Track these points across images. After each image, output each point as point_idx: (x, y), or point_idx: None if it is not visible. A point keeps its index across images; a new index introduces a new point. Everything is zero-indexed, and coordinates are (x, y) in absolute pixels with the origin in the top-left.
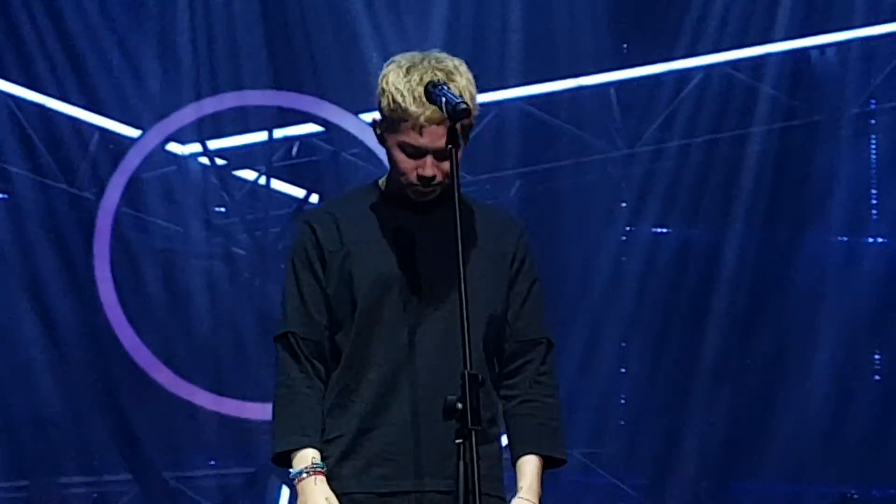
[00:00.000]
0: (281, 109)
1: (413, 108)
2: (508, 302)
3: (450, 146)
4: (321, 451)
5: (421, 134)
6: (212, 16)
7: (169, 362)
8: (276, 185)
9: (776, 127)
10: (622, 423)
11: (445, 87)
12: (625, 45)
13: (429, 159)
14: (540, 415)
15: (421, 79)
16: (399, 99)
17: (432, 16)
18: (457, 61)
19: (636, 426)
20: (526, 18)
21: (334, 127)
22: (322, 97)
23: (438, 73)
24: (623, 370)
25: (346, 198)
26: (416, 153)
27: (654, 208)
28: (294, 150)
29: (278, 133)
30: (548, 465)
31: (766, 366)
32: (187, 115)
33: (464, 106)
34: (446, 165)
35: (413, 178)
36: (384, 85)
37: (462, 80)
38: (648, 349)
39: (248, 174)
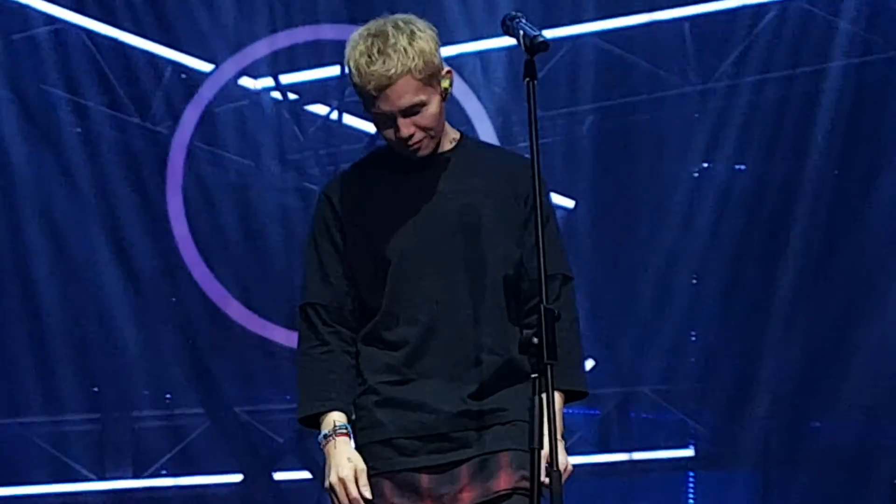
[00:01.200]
0: None
1: (358, 80)
2: (523, 243)
3: (527, 79)
4: (355, 405)
5: (378, 101)
6: None
7: (242, 297)
8: (349, 119)
9: (853, 63)
10: (693, 360)
11: (523, 21)
12: None
13: (399, 121)
14: (559, 351)
15: (362, 51)
16: (352, 76)
17: None
18: (407, 24)
19: (707, 364)
20: None
21: None
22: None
23: (376, 41)
24: (696, 308)
25: (360, 164)
26: (386, 120)
27: (729, 144)
28: None
29: None
30: (569, 399)
31: (840, 305)
32: (261, 48)
33: (541, 39)
34: (421, 119)
35: (397, 143)
36: (346, 66)
37: (401, 42)
38: (721, 287)
39: (321, 109)
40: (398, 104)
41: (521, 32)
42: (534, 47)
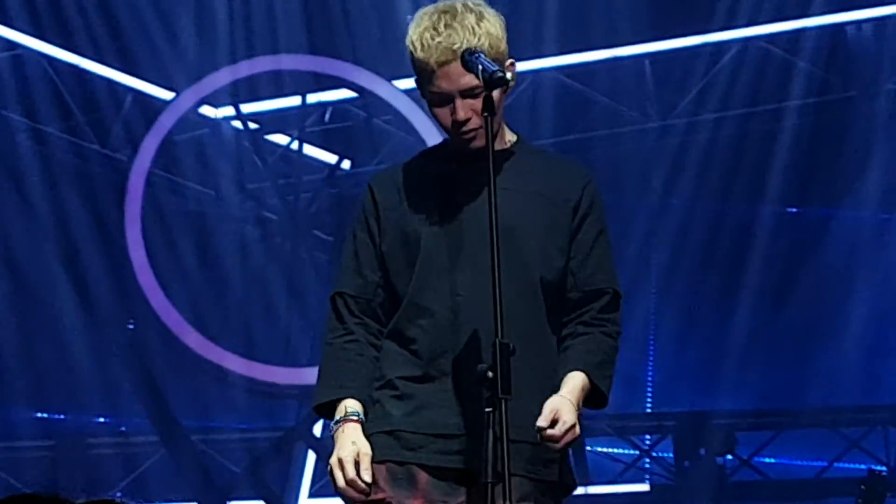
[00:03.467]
0: (315, 74)
1: (420, 55)
2: (571, 251)
3: (485, 114)
4: (371, 395)
5: (437, 78)
6: None
7: (199, 325)
8: (309, 150)
9: (811, 102)
10: (649, 394)
11: (482, 56)
12: (661, 17)
13: (457, 102)
14: (592, 345)
15: (427, 26)
16: (412, 50)
17: None
18: (477, 6)
19: (663, 399)
20: None
21: (368, 93)
22: (357, 63)
23: (444, 15)
24: (652, 343)
25: (413, 159)
26: (443, 100)
27: (687, 181)
28: (327, 116)
29: (312, 98)
30: (589, 401)
31: (797, 341)
32: (221, 78)
33: (500, 74)
34: (479, 104)
35: (452, 127)
36: (408, 47)
37: (470, 20)
38: (677, 322)
39: (281, 139)
40: (459, 83)
41: (480, 67)
42: (492, 82)
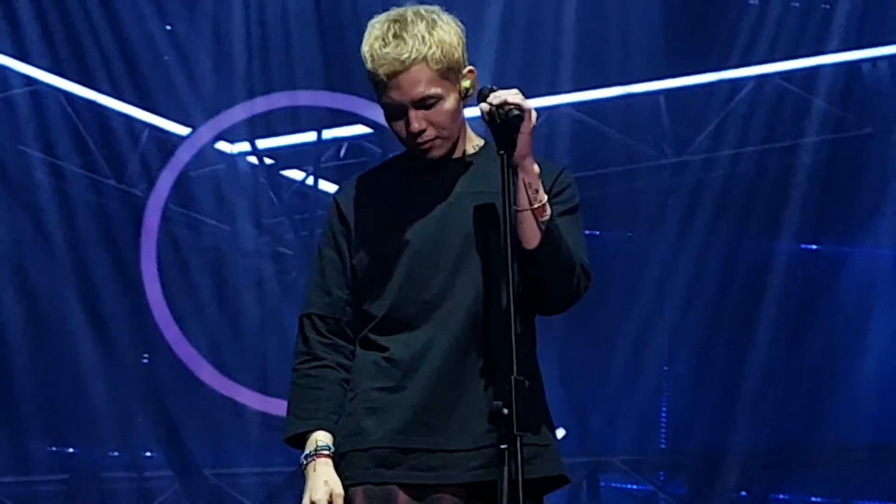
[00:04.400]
0: (331, 110)
1: (370, 66)
2: None
3: (501, 151)
4: (343, 410)
5: (388, 90)
6: (266, 15)
7: (214, 360)
8: (324, 185)
9: (827, 139)
10: (663, 430)
11: (495, 90)
12: (676, 54)
13: (410, 113)
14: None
15: (377, 36)
16: (365, 61)
17: (485, 22)
18: (429, 13)
19: (677, 434)
20: (578, 25)
21: (383, 129)
22: (372, 99)
23: (394, 25)
24: (667, 379)
25: (375, 168)
26: (397, 111)
27: (703, 217)
28: (342, 152)
29: (327, 134)
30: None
31: (812, 378)
32: (238, 113)
33: (515, 113)
34: (434, 115)
35: (407, 139)
36: (362, 51)
37: (420, 28)
38: (693, 359)
39: (296, 174)
40: (410, 94)
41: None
42: (508, 121)
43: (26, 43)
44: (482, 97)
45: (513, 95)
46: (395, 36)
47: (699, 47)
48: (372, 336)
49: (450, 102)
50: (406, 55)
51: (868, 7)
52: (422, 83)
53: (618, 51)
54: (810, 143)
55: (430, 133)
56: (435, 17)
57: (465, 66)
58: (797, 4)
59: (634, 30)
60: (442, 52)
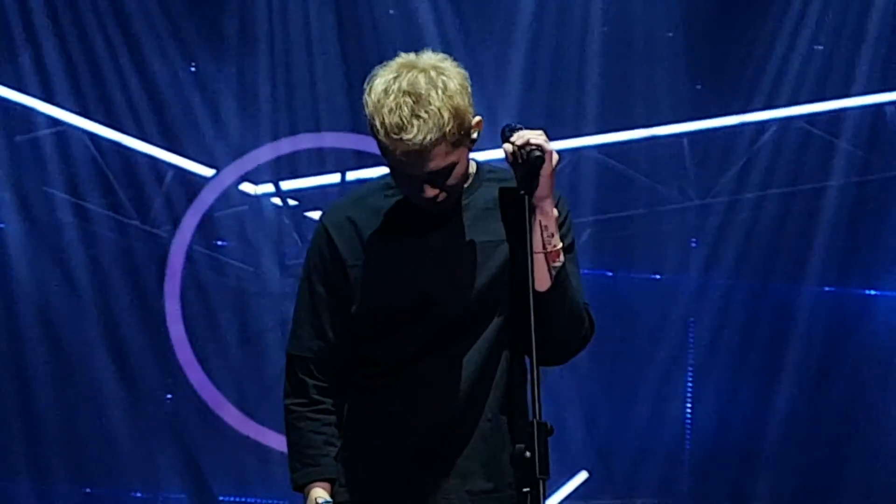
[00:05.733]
0: (355, 152)
1: (383, 139)
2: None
3: (522, 192)
4: (339, 459)
5: (402, 164)
6: (291, 56)
7: (238, 401)
8: None
9: (851, 181)
10: (687, 474)
11: (519, 128)
12: (700, 97)
13: (426, 185)
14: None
15: (391, 109)
16: (375, 131)
17: (510, 64)
18: (439, 75)
19: (701, 478)
20: (603, 67)
21: None
22: None
23: (408, 98)
24: (690, 422)
25: (362, 198)
26: (408, 179)
27: (727, 260)
28: None
29: (351, 175)
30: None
31: (837, 422)
32: (263, 154)
33: (537, 154)
34: (448, 180)
35: (417, 201)
36: (365, 108)
37: (435, 103)
38: (717, 401)
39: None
40: (426, 169)
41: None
42: (529, 161)
43: (52, 84)
44: (504, 137)
45: (536, 136)
46: (411, 114)
47: (723, 90)
48: (371, 381)
49: (462, 164)
50: (423, 138)
51: (891, 50)
52: (439, 157)
53: (642, 93)
54: (835, 186)
55: (442, 196)
56: (445, 78)
57: (473, 120)
58: (821, 47)
59: (659, 72)
60: (456, 122)
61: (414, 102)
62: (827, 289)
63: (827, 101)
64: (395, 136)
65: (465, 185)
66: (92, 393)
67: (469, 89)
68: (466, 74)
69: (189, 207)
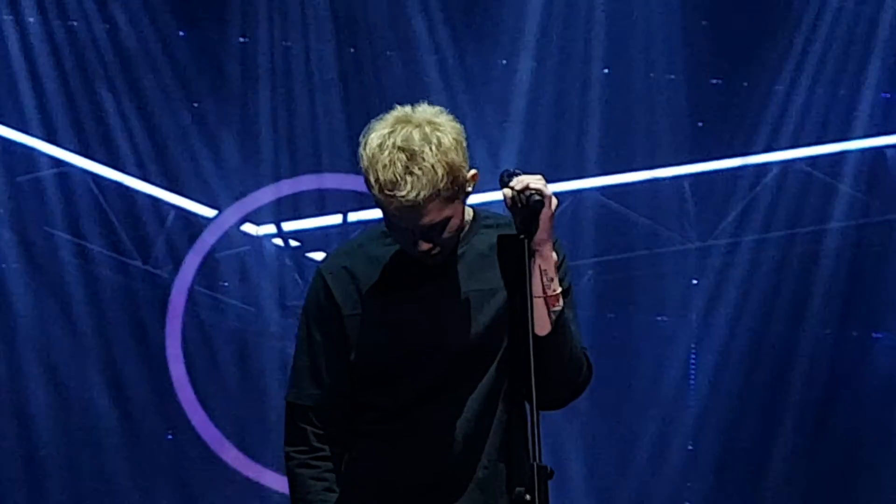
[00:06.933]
0: (357, 193)
1: (380, 197)
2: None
3: (522, 236)
4: (339, 497)
5: (399, 219)
6: (293, 98)
7: (238, 441)
8: None
9: (852, 224)
10: None
11: (518, 174)
12: (701, 139)
13: (420, 238)
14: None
15: (385, 165)
16: (370, 186)
17: (512, 104)
18: (434, 130)
19: None
20: (604, 109)
21: None
22: None
23: (402, 154)
24: (692, 462)
25: (359, 247)
26: (403, 231)
27: (728, 302)
28: None
29: (353, 216)
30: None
31: (837, 463)
32: (264, 196)
33: (537, 198)
34: (443, 232)
35: (412, 252)
36: (360, 162)
37: (429, 159)
38: (719, 443)
39: (322, 257)
40: (420, 223)
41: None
42: (529, 205)
43: (54, 125)
44: (503, 182)
45: (535, 181)
46: (405, 171)
47: (724, 132)
48: (370, 426)
49: (457, 217)
50: (417, 194)
51: (892, 93)
52: (433, 212)
53: (643, 135)
54: (835, 229)
55: (436, 250)
56: (439, 133)
57: (468, 174)
58: (822, 91)
59: (660, 114)
60: (450, 177)
61: (408, 159)
62: (827, 331)
63: (828, 143)
64: (388, 192)
65: (462, 234)
66: (93, 432)
67: (464, 143)
68: (462, 128)
69: (191, 248)
